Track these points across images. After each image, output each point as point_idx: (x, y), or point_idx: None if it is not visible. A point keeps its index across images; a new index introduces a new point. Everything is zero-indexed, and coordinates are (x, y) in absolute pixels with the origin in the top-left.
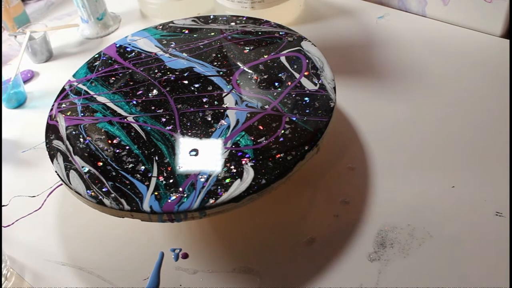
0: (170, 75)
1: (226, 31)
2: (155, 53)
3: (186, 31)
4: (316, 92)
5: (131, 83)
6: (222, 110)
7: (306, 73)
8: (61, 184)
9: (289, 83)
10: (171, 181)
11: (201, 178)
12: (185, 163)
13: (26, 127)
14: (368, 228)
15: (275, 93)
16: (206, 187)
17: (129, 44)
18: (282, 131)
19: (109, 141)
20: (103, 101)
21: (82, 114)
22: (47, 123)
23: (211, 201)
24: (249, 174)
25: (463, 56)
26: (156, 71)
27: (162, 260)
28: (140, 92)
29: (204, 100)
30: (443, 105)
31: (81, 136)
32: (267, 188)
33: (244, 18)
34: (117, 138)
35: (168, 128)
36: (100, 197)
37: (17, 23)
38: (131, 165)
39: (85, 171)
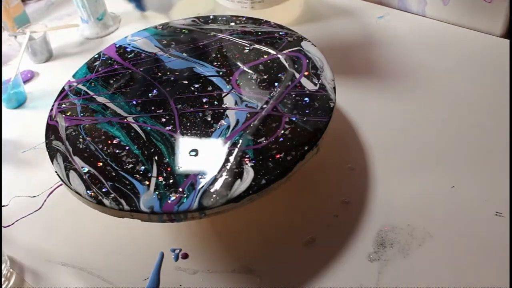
0: (170, 75)
1: (226, 31)
2: (155, 53)
3: (186, 31)
4: (316, 92)
5: (131, 83)
6: (222, 110)
7: (306, 73)
8: (61, 184)
9: (289, 83)
10: (171, 181)
11: (201, 178)
12: (184, 163)
13: (26, 127)
14: (368, 228)
15: (275, 93)
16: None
17: (129, 44)
18: (282, 131)
19: (109, 142)
20: (103, 101)
21: (81, 115)
22: (47, 123)
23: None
24: (249, 174)
25: (463, 56)
26: (156, 71)
27: (162, 260)
28: (140, 92)
29: (204, 100)
30: (442, 105)
31: (80, 136)
32: (267, 188)
33: (244, 18)
34: (117, 139)
35: (168, 128)
36: (100, 197)
37: (17, 23)
38: (130, 165)
39: (85, 171)
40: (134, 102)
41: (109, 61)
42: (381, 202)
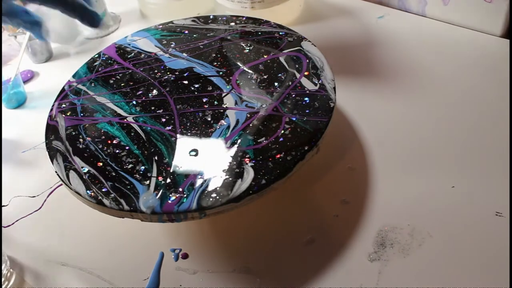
0: (170, 75)
1: (226, 31)
2: (155, 53)
3: (186, 31)
4: (316, 92)
5: (131, 83)
6: (222, 110)
7: (306, 73)
8: (61, 184)
9: (289, 83)
10: (170, 181)
11: (201, 178)
12: (184, 163)
13: (26, 127)
14: (368, 228)
15: (275, 93)
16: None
17: (129, 44)
18: (282, 131)
19: (109, 142)
20: (102, 101)
21: (81, 115)
22: (47, 123)
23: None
24: (249, 174)
25: (463, 56)
26: (156, 71)
27: (162, 260)
28: (140, 92)
29: (204, 100)
30: (443, 104)
31: (80, 136)
32: (267, 188)
33: (244, 18)
34: (117, 139)
35: (167, 128)
36: (100, 197)
37: None
38: (130, 165)
39: (85, 171)
40: (134, 102)
41: (109, 61)
42: (381, 202)
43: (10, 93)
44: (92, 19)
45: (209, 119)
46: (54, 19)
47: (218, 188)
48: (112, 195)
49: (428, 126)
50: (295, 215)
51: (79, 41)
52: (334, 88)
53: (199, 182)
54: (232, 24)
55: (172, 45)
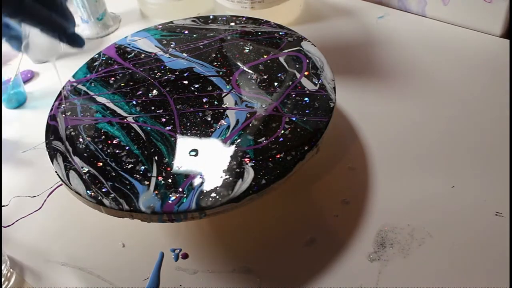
0: (170, 75)
1: (226, 31)
2: (155, 53)
3: (186, 31)
4: (316, 92)
5: (131, 83)
6: (221, 110)
7: (306, 73)
8: (61, 184)
9: (289, 83)
10: (170, 181)
11: (201, 178)
12: (184, 163)
13: (26, 127)
14: (368, 228)
15: (275, 93)
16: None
17: (129, 44)
18: (282, 131)
19: (109, 142)
20: (102, 101)
21: (82, 115)
22: (47, 123)
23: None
24: (249, 174)
25: (463, 56)
26: (156, 71)
27: (162, 260)
28: (140, 92)
29: (204, 100)
30: (442, 104)
31: (80, 136)
32: (267, 188)
33: (244, 18)
34: (117, 139)
35: (167, 128)
36: (100, 197)
37: None
38: (130, 165)
39: (85, 171)
40: (134, 102)
41: (109, 61)
42: (381, 202)
43: (10, 93)
44: (73, 41)
45: (209, 119)
46: (36, 33)
47: (218, 188)
48: (112, 195)
49: (428, 126)
50: (295, 215)
51: (60, 54)
52: (334, 88)
53: (199, 182)
54: (232, 24)
55: (172, 45)
